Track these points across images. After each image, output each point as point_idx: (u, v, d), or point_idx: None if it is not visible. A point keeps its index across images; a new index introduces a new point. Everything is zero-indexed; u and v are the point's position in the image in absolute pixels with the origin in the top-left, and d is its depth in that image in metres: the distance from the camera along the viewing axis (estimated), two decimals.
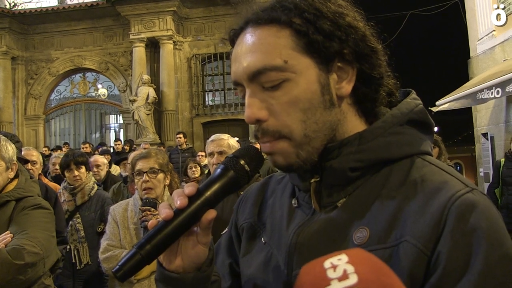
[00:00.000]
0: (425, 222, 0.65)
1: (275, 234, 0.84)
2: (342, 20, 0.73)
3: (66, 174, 3.52)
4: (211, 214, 0.72)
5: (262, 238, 0.87)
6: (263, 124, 0.75)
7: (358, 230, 0.71)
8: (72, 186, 3.48)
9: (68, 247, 3.30)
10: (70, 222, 3.39)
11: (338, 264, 0.49)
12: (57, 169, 4.73)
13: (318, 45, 0.72)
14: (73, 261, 3.33)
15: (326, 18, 0.73)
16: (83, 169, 3.53)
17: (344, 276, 0.47)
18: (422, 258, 0.63)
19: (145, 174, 2.59)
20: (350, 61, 0.74)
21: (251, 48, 0.74)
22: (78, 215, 3.43)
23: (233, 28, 0.81)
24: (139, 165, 2.61)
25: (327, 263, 0.50)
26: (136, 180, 2.61)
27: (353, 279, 0.46)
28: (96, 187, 3.62)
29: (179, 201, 0.71)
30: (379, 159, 0.74)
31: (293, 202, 0.84)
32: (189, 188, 0.72)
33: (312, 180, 0.78)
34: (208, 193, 0.73)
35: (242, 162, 0.76)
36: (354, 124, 0.78)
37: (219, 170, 0.76)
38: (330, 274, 0.48)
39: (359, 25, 0.75)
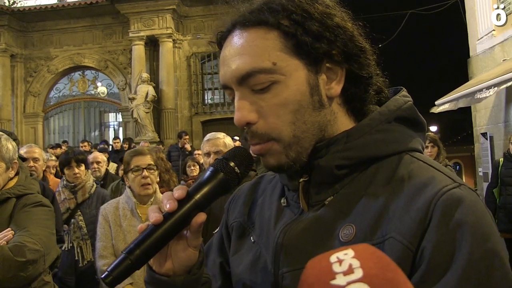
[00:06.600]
0: (411, 217, 0.65)
1: (264, 233, 0.84)
2: (330, 20, 0.73)
3: (66, 172, 3.55)
4: (201, 217, 0.72)
5: (251, 237, 0.87)
6: (252, 127, 0.75)
7: (345, 228, 0.71)
8: (72, 184, 3.51)
9: (71, 244, 3.34)
10: (72, 220, 3.41)
11: (344, 258, 0.49)
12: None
13: (307, 46, 0.72)
14: (76, 258, 3.35)
15: (314, 19, 0.72)
16: (82, 167, 3.59)
17: (350, 271, 0.47)
18: (408, 254, 0.63)
19: (144, 170, 2.63)
20: (339, 61, 0.74)
21: (239, 50, 0.74)
22: (80, 212, 3.45)
23: (220, 30, 0.80)
24: (136, 162, 2.65)
25: (333, 258, 0.50)
26: (132, 176, 2.64)
27: (358, 273, 0.46)
28: (95, 185, 3.67)
29: (168, 204, 0.70)
30: (366, 157, 0.74)
31: (282, 201, 0.84)
32: (178, 191, 0.72)
33: (301, 180, 0.78)
34: (198, 196, 0.72)
35: (232, 164, 0.75)
36: (343, 123, 0.78)
37: (208, 172, 0.75)
38: (336, 268, 0.48)
39: (347, 25, 0.75)
